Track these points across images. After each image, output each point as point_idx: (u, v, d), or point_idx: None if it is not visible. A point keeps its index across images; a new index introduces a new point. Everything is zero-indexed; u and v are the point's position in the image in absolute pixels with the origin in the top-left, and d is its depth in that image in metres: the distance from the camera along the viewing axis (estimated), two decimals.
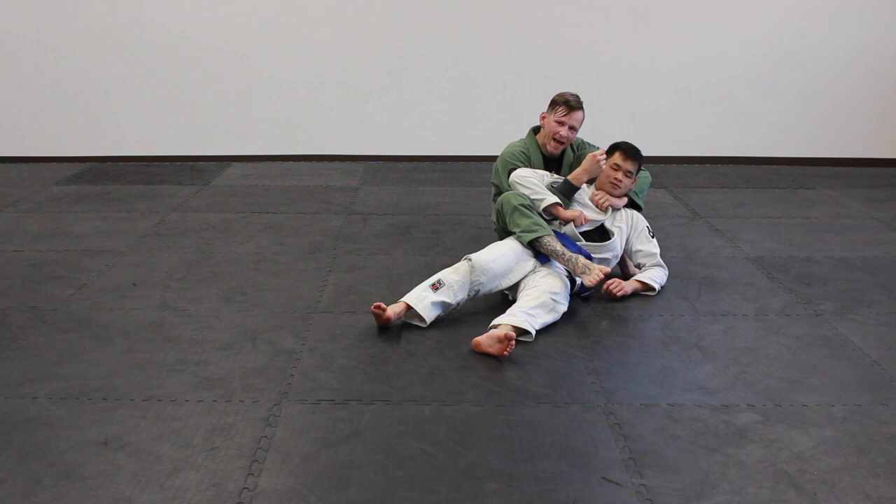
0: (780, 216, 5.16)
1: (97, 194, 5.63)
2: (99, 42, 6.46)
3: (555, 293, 3.41)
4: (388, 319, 3.31)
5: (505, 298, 3.65)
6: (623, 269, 3.95)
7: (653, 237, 3.91)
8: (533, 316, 3.28)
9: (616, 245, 3.78)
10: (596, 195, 3.80)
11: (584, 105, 3.89)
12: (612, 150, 3.82)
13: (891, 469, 2.44)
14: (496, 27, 6.44)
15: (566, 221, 3.68)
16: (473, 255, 3.51)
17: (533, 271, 3.56)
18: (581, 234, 3.72)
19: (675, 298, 3.75)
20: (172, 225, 4.89)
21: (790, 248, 4.50)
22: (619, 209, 3.85)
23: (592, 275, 3.44)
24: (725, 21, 6.40)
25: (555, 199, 3.65)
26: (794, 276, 4.05)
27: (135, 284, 3.90)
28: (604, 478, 2.39)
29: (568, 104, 3.85)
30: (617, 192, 3.81)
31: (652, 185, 5.90)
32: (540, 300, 3.35)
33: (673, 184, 5.98)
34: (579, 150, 4.02)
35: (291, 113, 6.62)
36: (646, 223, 3.91)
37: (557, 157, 3.98)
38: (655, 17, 6.42)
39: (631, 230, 3.86)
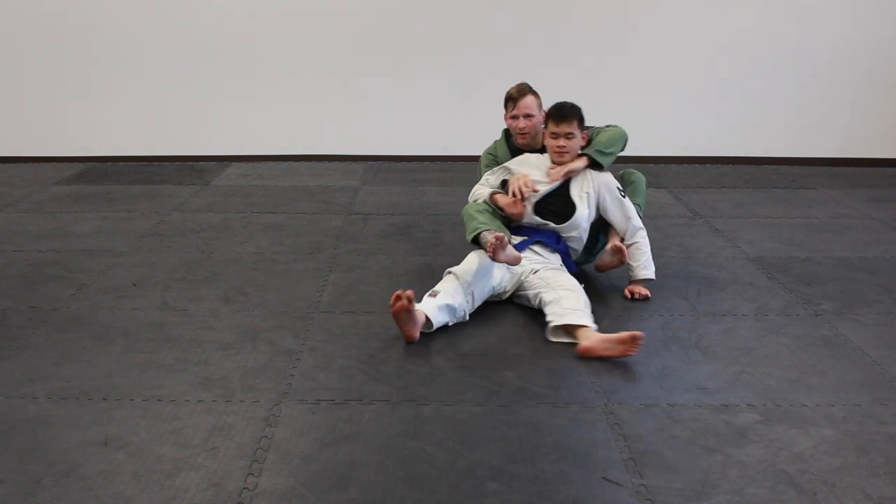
0: (780, 216, 5.16)
1: (97, 194, 5.63)
2: (99, 42, 6.46)
3: (580, 291, 3.43)
4: (412, 335, 3.21)
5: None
6: (610, 240, 3.78)
7: (624, 197, 3.72)
8: (592, 319, 3.28)
9: (581, 219, 3.66)
10: (550, 170, 3.68)
11: (532, 88, 3.92)
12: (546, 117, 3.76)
13: (891, 469, 2.44)
14: (496, 27, 6.44)
15: (509, 211, 3.63)
16: (451, 269, 3.50)
17: (533, 272, 3.55)
18: (543, 210, 3.65)
19: (675, 298, 3.75)
20: (172, 225, 4.89)
21: (790, 248, 4.50)
22: (578, 172, 3.69)
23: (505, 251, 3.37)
24: (725, 20, 6.40)
25: (489, 190, 3.70)
26: (794, 276, 4.05)
27: (135, 284, 3.90)
28: (604, 478, 2.39)
29: (511, 98, 3.90)
30: (565, 158, 3.66)
31: (651, 186, 5.88)
32: (582, 298, 3.36)
33: (673, 184, 5.98)
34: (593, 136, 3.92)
35: (291, 113, 6.62)
36: (616, 183, 3.74)
37: (540, 148, 3.91)
38: (655, 17, 6.42)
39: (599, 195, 3.70)
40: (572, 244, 3.72)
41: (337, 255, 4.35)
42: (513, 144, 4.01)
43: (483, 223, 3.56)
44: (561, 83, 6.43)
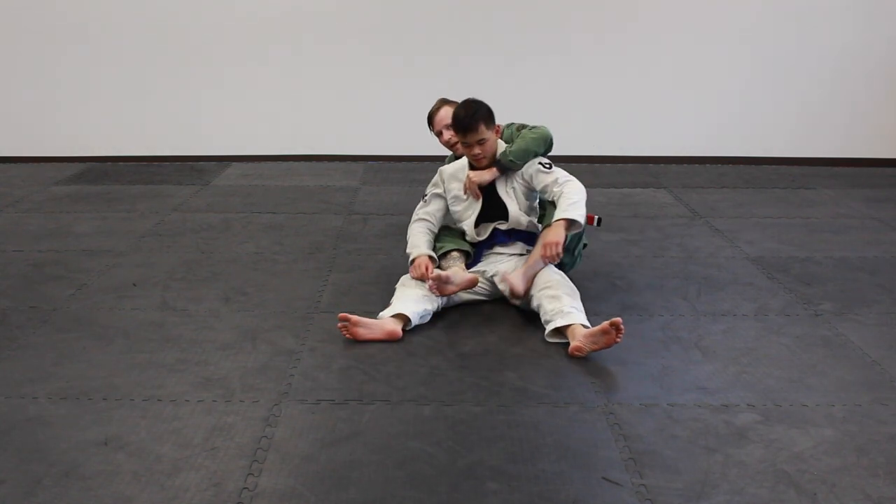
0: (780, 216, 5.16)
1: (97, 194, 5.63)
2: (99, 42, 6.46)
3: (561, 280, 3.42)
4: (392, 334, 3.25)
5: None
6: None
7: (550, 168, 3.54)
8: (579, 309, 3.27)
9: (517, 215, 3.58)
10: (466, 188, 3.62)
11: (447, 100, 4.03)
12: None
13: (891, 469, 2.44)
14: (496, 27, 6.44)
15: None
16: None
17: (507, 273, 3.54)
18: (485, 217, 3.63)
19: (675, 298, 3.75)
20: (172, 225, 4.89)
21: (790, 248, 4.50)
22: (487, 181, 3.58)
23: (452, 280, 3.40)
24: (725, 20, 6.40)
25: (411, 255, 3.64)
26: (794, 276, 4.05)
27: (135, 284, 3.90)
28: (604, 478, 2.39)
29: (428, 119, 4.08)
30: (484, 162, 3.55)
31: (651, 186, 5.92)
32: (561, 291, 3.34)
33: (673, 184, 5.98)
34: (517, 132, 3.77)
35: (291, 113, 6.62)
36: (538, 160, 3.57)
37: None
38: (655, 17, 6.41)
39: (526, 182, 3.59)
40: (527, 230, 3.67)
41: (337, 255, 4.35)
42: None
43: (439, 246, 3.66)
44: (561, 83, 6.48)
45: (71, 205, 5.35)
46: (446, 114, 3.90)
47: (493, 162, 3.59)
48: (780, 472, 2.41)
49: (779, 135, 6.59)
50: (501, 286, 3.51)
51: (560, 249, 3.33)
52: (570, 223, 3.39)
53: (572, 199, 3.41)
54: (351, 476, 2.38)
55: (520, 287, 3.38)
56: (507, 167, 3.58)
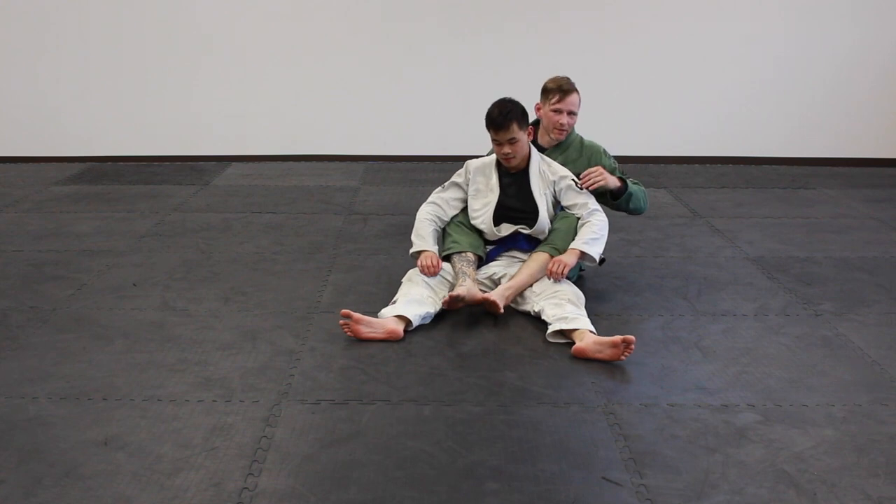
0: (780, 216, 5.16)
1: (97, 194, 5.63)
2: (99, 42, 6.46)
3: (566, 289, 3.42)
4: (393, 334, 3.25)
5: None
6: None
7: (582, 190, 3.61)
8: (584, 316, 3.28)
9: (544, 223, 3.59)
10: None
11: (576, 87, 3.74)
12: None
13: (891, 469, 2.44)
14: (496, 27, 6.44)
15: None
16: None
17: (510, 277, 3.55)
18: (508, 216, 3.61)
19: (675, 298, 3.75)
20: (172, 225, 4.89)
21: (790, 248, 4.50)
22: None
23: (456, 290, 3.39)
24: (726, 21, 6.41)
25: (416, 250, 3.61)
26: (794, 276, 4.05)
27: (135, 284, 3.90)
28: (604, 478, 2.39)
29: (561, 90, 3.68)
30: (513, 162, 3.58)
31: (652, 186, 5.91)
32: (566, 297, 3.34)
33: (673, 184, 5.98)
34: (589, 152, 3.78)
35: (291, 113, 6.62)
36: (571, 176, 3.63)
37: (552, 147, 3.80)
38: (656, 17, 6.42)
39: (555, 192, 3.63)
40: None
41: (337, 255, 4.35)
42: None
43: (455, 242, 3.61)
44: None
45: (71, 205, 5.35)
46: (577, 100, 3.72)
47: (526, 162, 3.62)
48: (780, 472, 2.41)
49: (779, 135, 6.60)
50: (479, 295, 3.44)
51: (566, 272, 3.48)
52: (584, 255, 3.54)
53: (595, 235, 3.56)
54: (351, 476, 2.38)
55: (500, 306, 3.38)
56: (622, 191, 3.70)
